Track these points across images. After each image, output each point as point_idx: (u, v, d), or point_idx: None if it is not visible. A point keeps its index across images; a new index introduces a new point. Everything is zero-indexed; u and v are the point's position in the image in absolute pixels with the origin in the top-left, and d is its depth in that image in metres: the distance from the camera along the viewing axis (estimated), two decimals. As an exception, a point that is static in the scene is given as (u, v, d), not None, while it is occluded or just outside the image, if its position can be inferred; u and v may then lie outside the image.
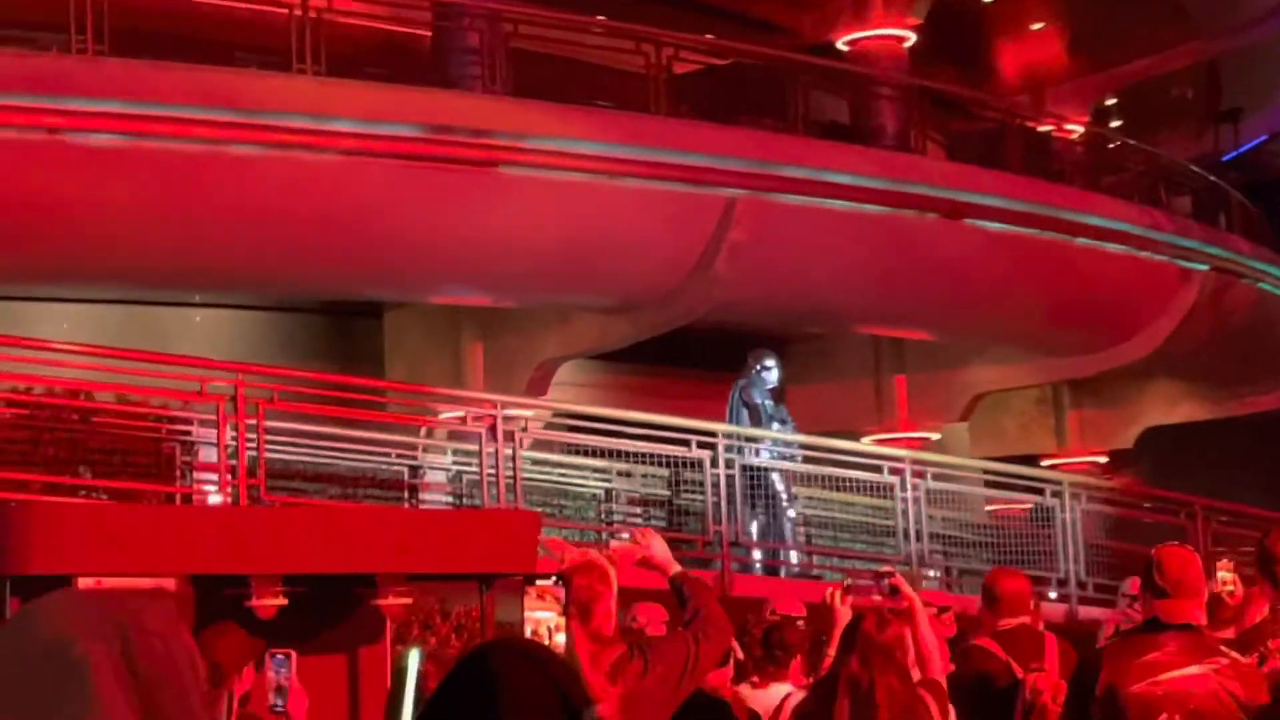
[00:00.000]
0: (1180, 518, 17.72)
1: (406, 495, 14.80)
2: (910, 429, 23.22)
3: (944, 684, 5.98)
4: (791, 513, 15.50)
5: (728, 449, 14.62)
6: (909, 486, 15.22)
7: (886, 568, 6.11)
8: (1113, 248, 20.64)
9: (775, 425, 15.83)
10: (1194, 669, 5.35)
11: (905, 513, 15.19)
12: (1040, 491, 16.65)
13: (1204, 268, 21.73)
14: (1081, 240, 20.27)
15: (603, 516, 15.66)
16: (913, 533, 15.17)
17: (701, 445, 14.39)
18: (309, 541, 9.38)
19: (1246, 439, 28.24)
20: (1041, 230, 19.81)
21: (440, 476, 14.63)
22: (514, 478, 13.09)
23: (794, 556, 15.88)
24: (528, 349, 18.81)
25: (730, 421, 15.96)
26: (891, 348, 23.17)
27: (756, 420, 16.00)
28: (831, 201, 17.69)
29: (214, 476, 13.16)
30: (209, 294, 18.79)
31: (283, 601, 8.95)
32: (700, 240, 17.05)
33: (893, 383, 23.31)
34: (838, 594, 6.04)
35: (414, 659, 6.04)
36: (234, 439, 13.01)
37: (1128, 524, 18.24)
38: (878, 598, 6.00)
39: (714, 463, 14.27)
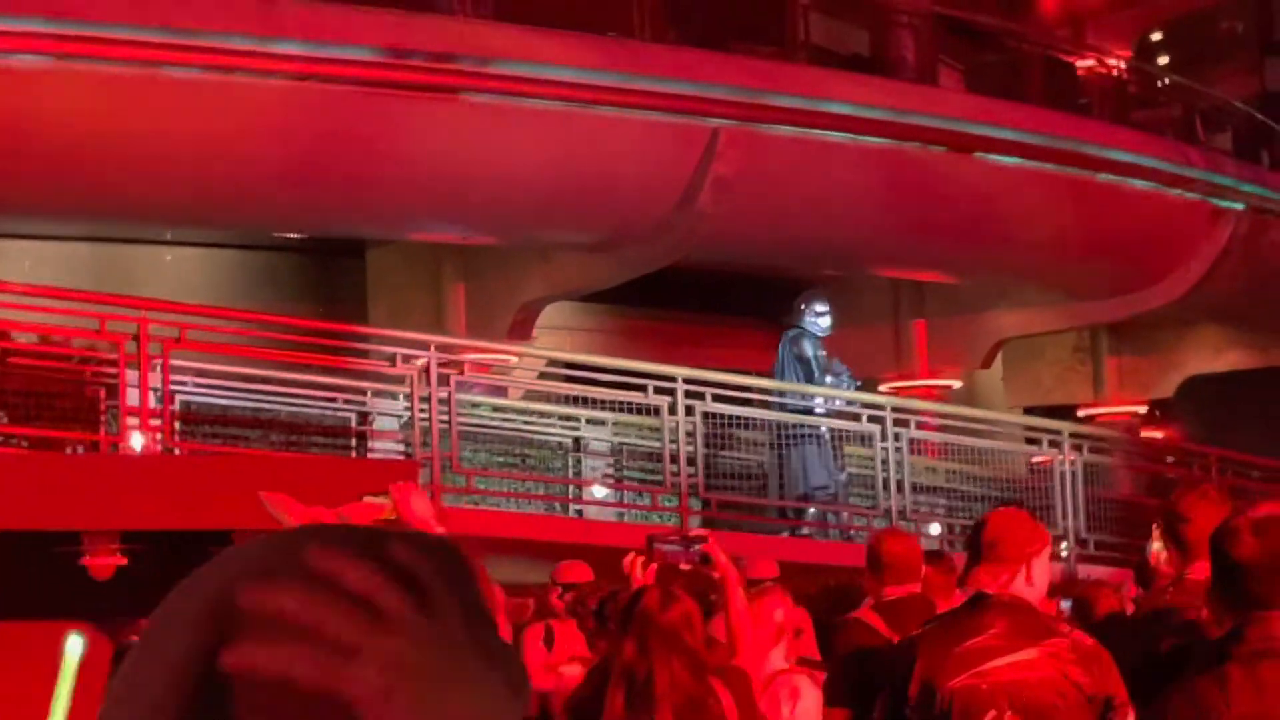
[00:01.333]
0: (1194, 470, 16.60)
1: (354, 443, 13.92)
2: (930, 376, 22.14)
3: (751, 673, 5.01)
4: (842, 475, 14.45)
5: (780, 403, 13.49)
6: (890, 435, 14.18)
7: (697, 530, 5.12)
8: (1139, 184, 19.47)
9: (830, 380, 14.80)
10: (1026, 653, 4.36)
11: (885, 463, 14.15)
12: (1037, 442, 15.58)
13: (1239, 206, 20.50)
14: (1105, 176, 19.11)
15: (570, 468, 14.71)
16: (893, 484, 14.13)
17: (659, 391, 13.40)
18: (184, 494, 8.49)
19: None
20: (1062, 165, 18.67)
21: (391, 423, 13.70)
22: (449, 423, 12.15)
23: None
24: (510, 290, 17.86)
25: (779, 378, 15.00)
26: (911, 291, 22.07)
27: (809, 375, 14.94)
28: (826, 133, 16.62)
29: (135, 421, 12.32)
30: (170, 229, 17.93)
31: (120, 560, 8.06)
32: (683, 174, 16.03)
33: (911, 328, 22.22)
34: (638, 562, 5.07)
35: (74, 646, 5.12)
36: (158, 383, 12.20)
37: (1144, 478, 17.17)
38: (685, 566, 5.03)
39: (672, 410, 13.28)
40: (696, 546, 5.05)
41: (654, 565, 5.03)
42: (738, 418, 14.13)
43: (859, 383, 15.82)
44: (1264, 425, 26.60)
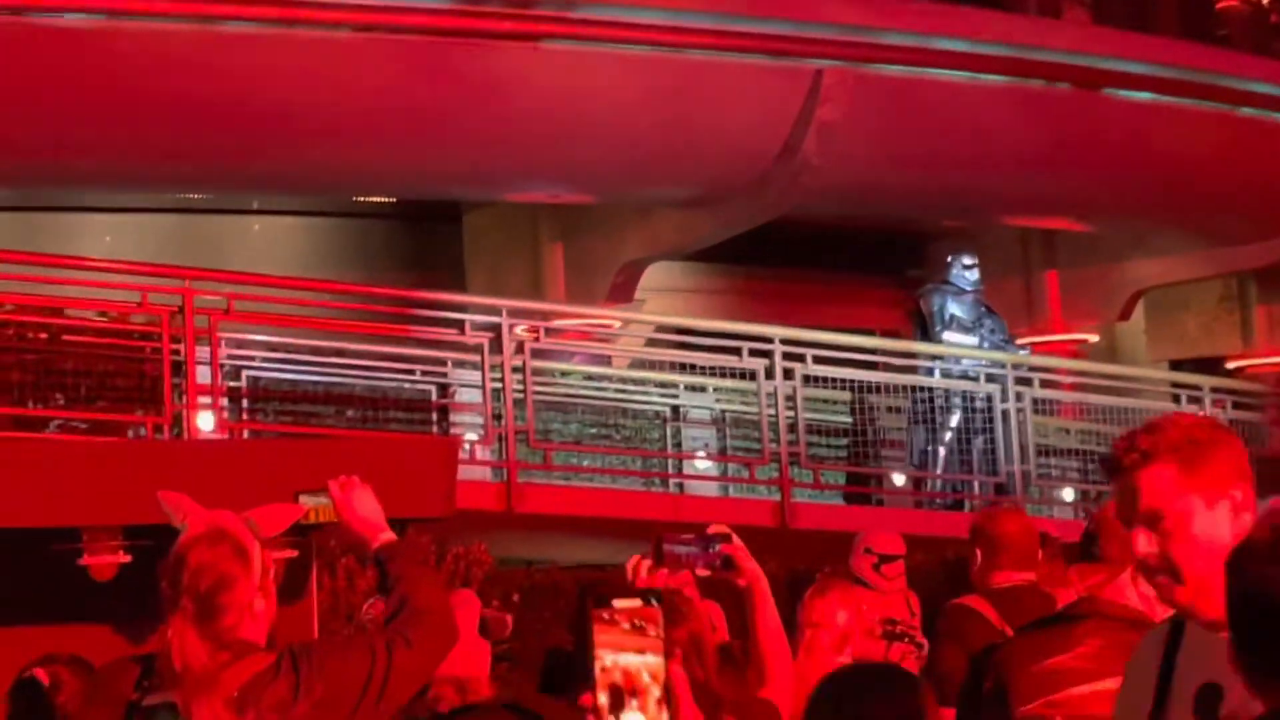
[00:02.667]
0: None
1: (435, 418, 13.03)
2: (1065, 330, 20.90)
3: (780, 706, 4.01)
4: (945, 437, 13.40)
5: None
6: (1011, 396, 13.04)
7: (716, 527, 4.10)
8: (1284, 118, 18.07)
9: (972, 339, 13.71)
10: (1112, 683, 3.31)
11: (1005, 428, 13.01)
12: (1178, 399, 14.36)
13: (1396, 139, 18.99)
14: (1247, 110, 17.74)
15: (669, 439, 13.71)
16: (1016, 452, 12.99)
17: (755, 354, 12.36)
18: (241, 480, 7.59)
19: None
20: (1199, 100, 17.33)
21: (474, 395, 12.77)
22: (524, 393, 11.22)
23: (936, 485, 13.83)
24: (608, 250, 16.90)
25: (914, 335, 14.03)
26: (1041, 240, 20.82)
27: (924, 332, 13.97)
28: (940, 72, 15.44)
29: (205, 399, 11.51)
30: (253, 196, 17.18)
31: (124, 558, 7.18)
32: (785, 121, 14.94)
33: (1043, 279, 20.97)
34: (643, 566, 4.07)
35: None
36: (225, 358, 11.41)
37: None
38: (702, 572, 4.02)
39: (769, 373, 12.23)
40: (716, 546, 4.03)
41: (662, 571, 4.03)
42: (843, 380, 13.05)
43: (1013, 341, 14.67)
44: None
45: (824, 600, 5.60)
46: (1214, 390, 14.35)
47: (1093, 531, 4.75)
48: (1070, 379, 16.17)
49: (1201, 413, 13.95)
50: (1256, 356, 23.38)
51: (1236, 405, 14.41)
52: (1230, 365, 23.29)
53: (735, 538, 4.07)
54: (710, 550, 4.06)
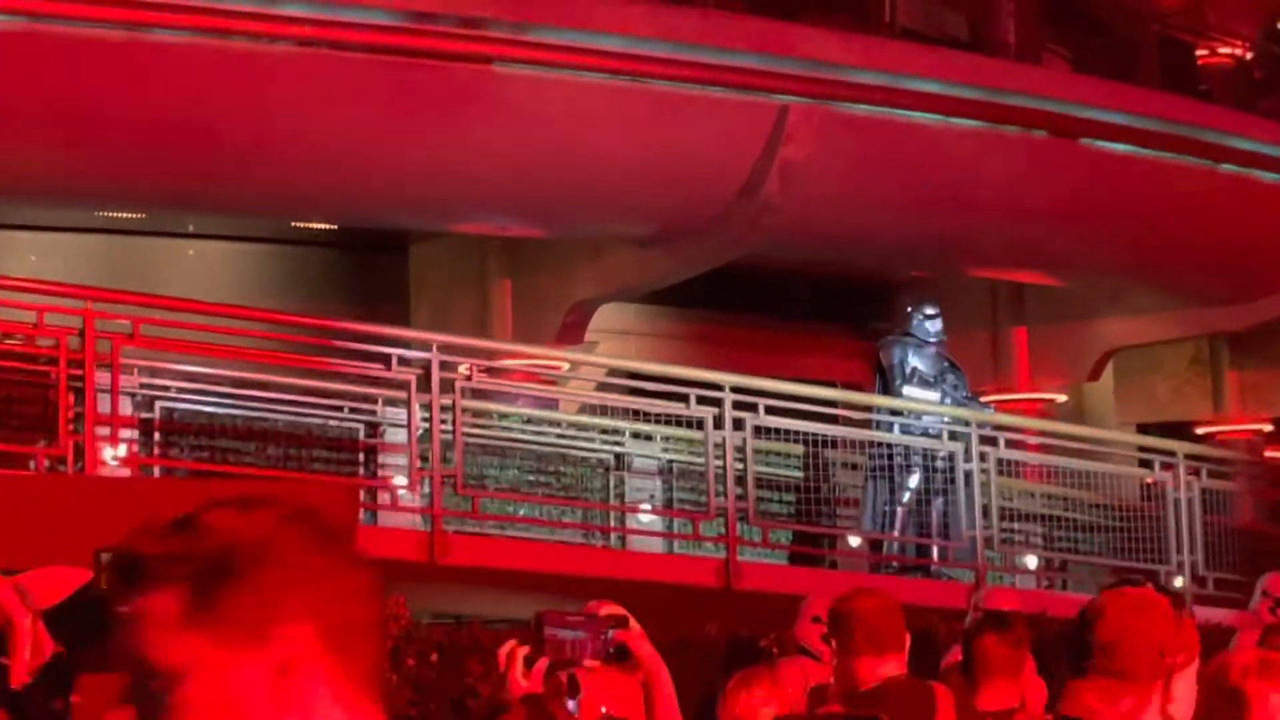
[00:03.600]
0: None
1: (362, 458, 12.20)
2: (1031, 389, 20.18)
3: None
4: (905, 498, 12.63)
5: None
6: (975, 456, 12.28)
7: (608, 608, 3.31)
8: (1267, 176, 17.43)
9: (934, 394, 12.95)
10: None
11: (971, 488, 12.25)
12: (1149, 464, 13.63)
13: (1380, 203, 18.37)
14: (1228, 167, 17.10)
15: (613, 489, 12.90)
16: (978, 515, 12.22)
17: (704, 401, 11.58)
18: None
19: None
20: (1179, 154, 16.69)
21: (401, 436, 11.94)
22: (453, 434, 10.42)
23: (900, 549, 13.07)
24: (559, 288, 16.12)
25: (876, 388, 13.28)
26: (1010, 295, 20.13)
27: (886, 386, 13.21)
28: (910, 113, 14.74)
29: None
30: (185, 216, 16.37)
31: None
32: (747, 158, 14.21)
33: (1011, 335, 20.26)
34: (519, 655, 3.27)
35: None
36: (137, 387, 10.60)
37: (1270, 505, 15.15)
38: (590, 663, 3.24)
39: (718, 423, 11.44)
40: (610, 633, 3.25)
41: (543, 661, 3.25)
42: (797, 433, 12.27)
43: (976, 398, 13.90)
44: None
45: (748, 696, 4.79)
46: (1188, 457, 13.60)
47: (1092, 625, 3.76)
48: (1036, 439, 15.43)
49: (1173, 480, 13.25)
50: (1227, 422, 22.77)
51: (1211, 474, 13.67)
52: (1200, 431, 22.66)
53: (632, 622, 3.28)
54: (602, 636, 3.28)
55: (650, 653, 3.26)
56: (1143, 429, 22.47)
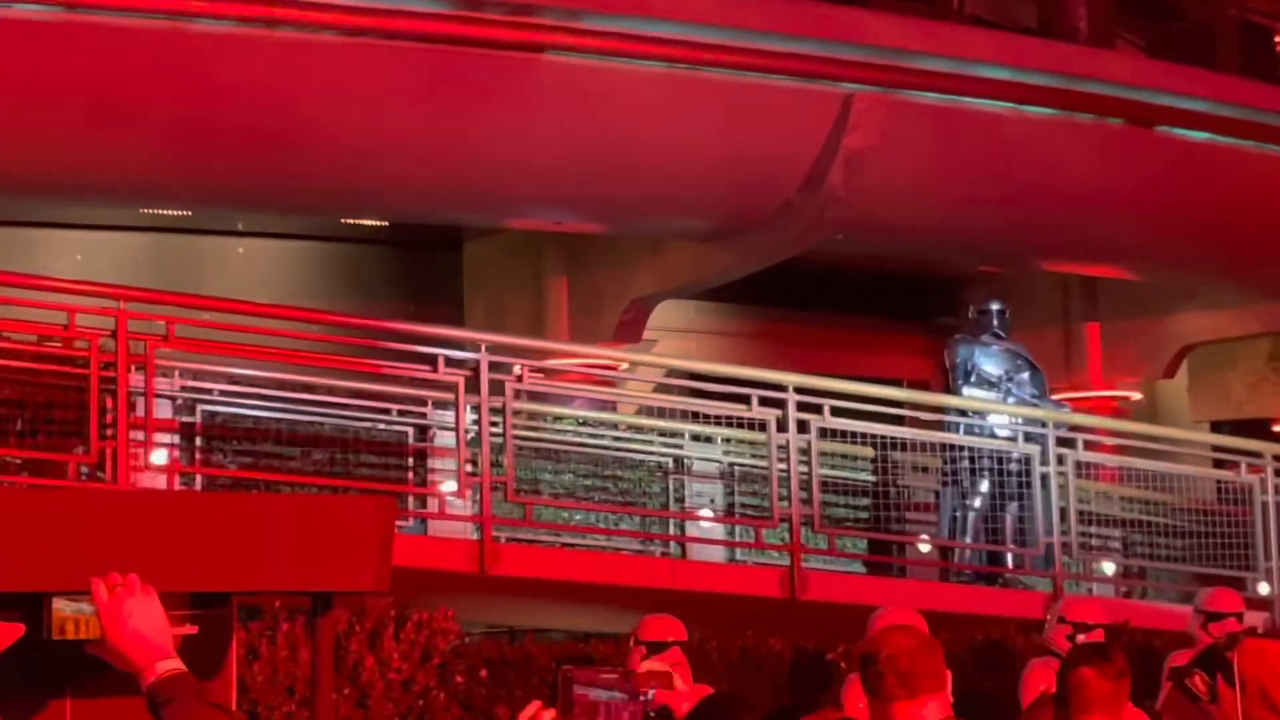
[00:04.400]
0: None
1: (411, 463, 11.75)
2: (1105, 386, 19.58)
3: None
4: (977, 503, 12.09)
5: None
6: (1052, 458, 11.70)
7: (650, 664, 2.80)
8: (1350, 165, 16.75)
9: (995, 394, 12.42)
10: None
11: (1049, 492, 11.68)
12: (1233, 465, 13.03)
13: None
14: (1312, 156, 16.45)
15: (672, 493, 12.40)
16: (1055, 520, 11.66)
17: (766, 403, 11.05)
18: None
19: None
20: (1259, 142, 16.04)
21: (450, 440, 11.46)
22: (504, 438, 9.95)
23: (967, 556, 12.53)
24: (616, 285, 15.65)
25: (945, 388, 12.79)
26: (1083, 289, 19.54)
27: (945, 384, 12.72)
28: (980, 101, 14.17)
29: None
30: (235, 213, 15.97)
31: None
32: (810, 149, 13.68)
33: (1083, 331, 19.66)
34: (543, 717, 2.79)
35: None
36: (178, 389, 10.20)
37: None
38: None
39: (781, 425, 10.92)
40: (651, 694, 2.74)
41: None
42: (865, 436, 11.74)
43: (1049, 397, 13.33)
44: None
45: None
46: (1276, 458, 12.99)
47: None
48: (1112, 440, 14.82)
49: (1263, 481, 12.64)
50: (1305, 420, 22.10)
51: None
52: (1277, 429, 21.98)
53: (677, 680, 2.77)
54: (641, 698, 2.78)
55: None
56: (1216, 427, 21.83)
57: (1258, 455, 12.99)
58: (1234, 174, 16.03)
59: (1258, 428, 21.39)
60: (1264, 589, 12.47)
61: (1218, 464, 13.98)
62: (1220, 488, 12.99)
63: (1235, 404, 22.52)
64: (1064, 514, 11.87)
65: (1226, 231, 16.63)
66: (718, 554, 11.93)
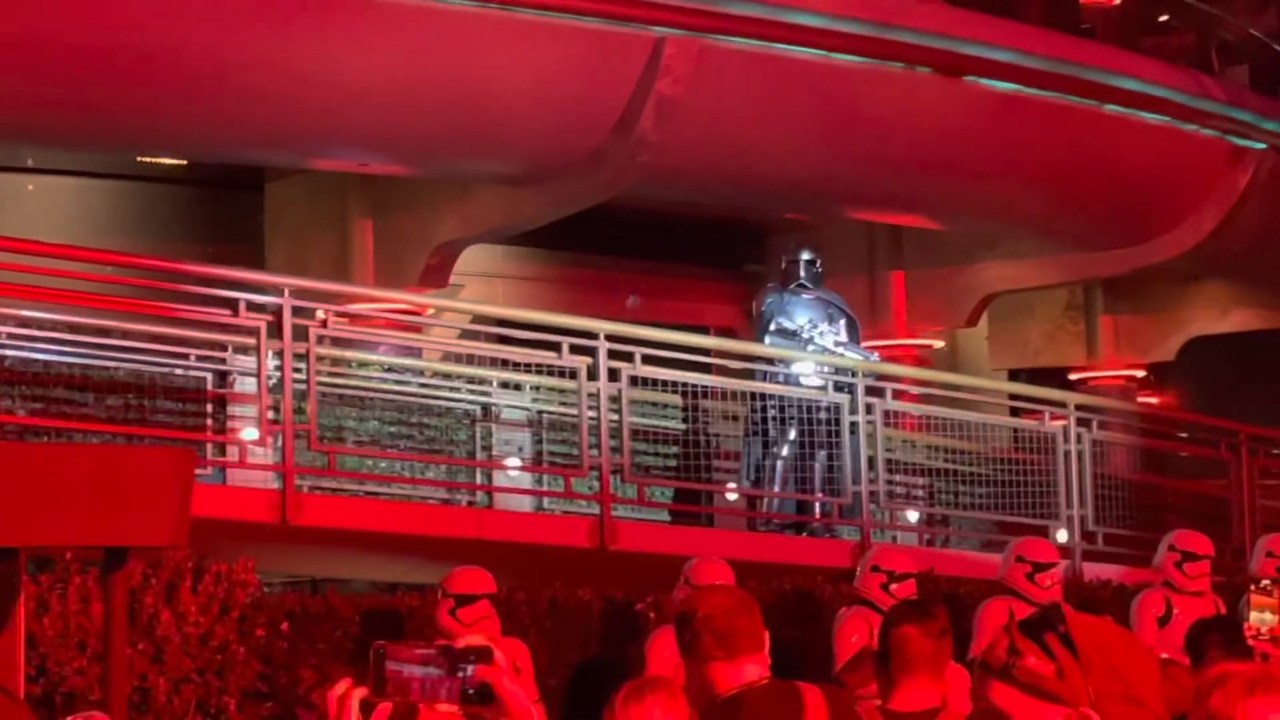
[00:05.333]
0: (1221, 449, 14.16)
1: (210, 410, 11.40)
2: (909, 334, 19.75)
3: None
4: (785, 451, 12.01)
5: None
6: (861, 408, 11.71)
7: (470, 639, 2.62)
8: (1151, 118, 17.02)
9: (799, 344, 12.32)
10: None
11: (857, 441, 11.69)
12: (1036, 414, 13.16)
13: (1261, 146, 18.06)
14: (1112, 108, 16.66)
15: (480, 441, 12.19)
16: (864, 469, 11.67)
17: (577, 350, 10.90)
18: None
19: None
20: (1064, 94, 16.20)
21: (252, 386, 11.13)
22: (307, 385, 9.67)
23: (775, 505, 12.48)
24: (422, 228, 15.38)
25: (753, 335, 12.67)
26: (888, 238, 19.66)
27: (756, 335, 12.62)
28: (792, 48, 14.10)
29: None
30: (29, 150, 15.40)
31: None
32: (621, 92, 13.51)
33: (889, 280, 19.79)
34: (353, 696, 2.61)
35: None
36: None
37: (1153, 457, 14.76)
38: (445, 707, 2.57)
39: (592, 373, 10.77)
40: (470, 669, 2.57)
41: (386, 708, 2.57)
42: (675, 384, 11.63)
43: (858, 345, 13.30)
44: (1273, 393, 24.36)
45: (640, 710, 4.11)
46: (1079, 408, 13.14)
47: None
48: (916, 389, 14.92)
49: (1067, 430, 12.77)
50: (1100, 369, 22.49)
51: (1102, 425, 13.24)
52: (1073, 377, 22.36)
53: (497, 655, 2.60)
54: (460, 674, 2.60)
55: (517, 693, 2.59)
56: (1014, 375, 22.15)
57: (1061, 405, 13.13)
58: (1037, 125, 16.17)
59: (1053, 375, 21.78)
60: (1062, 536, 12.62)
61: (1014, 413, 14.11)
62: (1021, 436, 13.11)
63: (1033, 352, 22.90)
64: (872, 463, 11.88)
65: (1029, 182, 16.81)
66: (526, 504, 11.76)
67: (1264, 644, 5.11)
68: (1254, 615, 5.18)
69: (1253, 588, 5.35)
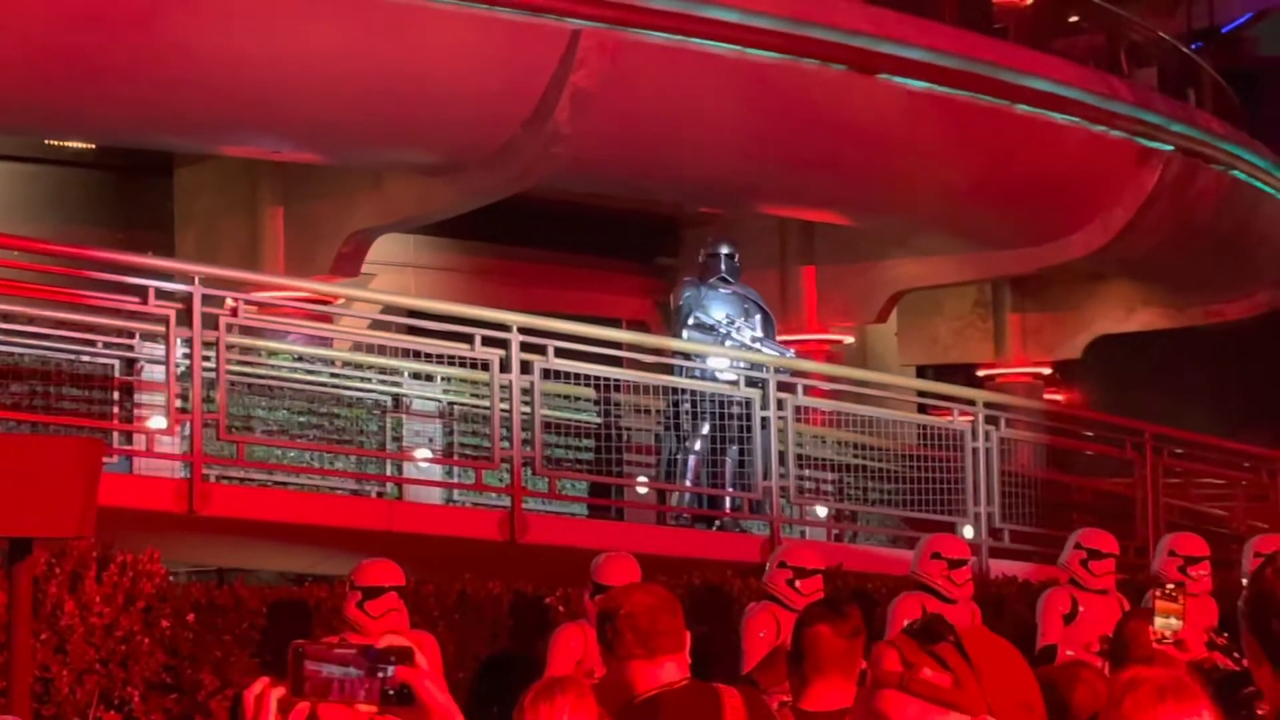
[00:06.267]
0: (1126, 448, 14.31)
1: (118, 398, 11.27)
2: (820, 330, 19.84)
3: None
4: (697, 445, 12.02)
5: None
6: (772, 403, 11.74)
7: (391, 638, 2.61)
8: (1060, 118, 17.18)
9: (718, 338, 12.32)
10: None
11: (768, 436, 11.72)
12: (946, 410, 13.24)
13: (1168, 148, 18.28)
14: (1023, 108, 16.80)
15: (390, 432, 12.12)
16: (774, 464, 11.71)
17: (490, 342, 10.87)
18: None
19: (1210, 352, 25.15)
20: (975, 93, 16.32)
21: (160, 374, 11.01)
22: (216, 373, 9.58)
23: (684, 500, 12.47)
24: (335, 217, 15.28)
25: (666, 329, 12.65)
26: (800, 234, 19.73)
27: (667, 326, 12.61)
28: (707, 43, 14.11)
29: None
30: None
31: None
32: (537, 84, 13.47)
33: (800, 275, 19.86)
34: (270, 696, 2.58)
35: None
36: None
37: (1059, 455, 14.89)
38: (364, 708, 2.55)
39: (505, 365, 10.74)
40: (390, 670, 2.55)
41: (304, 708, 2.55)
42: (588, 377, 11.62)
43: (773, 341, 13.33)
44: (1177, 391, 24.67)
45: (550, 710, 4.09)
46: (988, 405, 13.24)
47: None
48: (826, 385, 14.98)
49: (975, 427, 12.87)
50: (1007, 366, 22.68)
51: (1008, 423, 13.35)
52: (980, 374, 22.54)
53: (418, 656, 2.58)
54: (380, 674, 2.58)
55: (438, 695, 2.57)
56: (922, 371, 22.30)
57: (970, 402, 13.22)
58: (949, 123, 16.28)
59: (961, 372, 21.95)
60: (968, 532, 12.71)
61: (923, 409, 14.20)
62: (930, 432, 13.19)
63: (942, 349, 23.07)
64: (782, 458, 11.92)
65: (939, 180, 16.91)
66: (436, 495, 11.72)
67: (1168, 647, 5.18)
68: (1159, 620, 5.24)
69: (1157, 593, 5.40)
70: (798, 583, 8.45)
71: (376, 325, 13.00)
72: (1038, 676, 2.49)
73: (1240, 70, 25.51)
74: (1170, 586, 5.38)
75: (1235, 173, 19.81)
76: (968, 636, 2.40)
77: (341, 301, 14.40)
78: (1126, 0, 24.59)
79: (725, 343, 12.58)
